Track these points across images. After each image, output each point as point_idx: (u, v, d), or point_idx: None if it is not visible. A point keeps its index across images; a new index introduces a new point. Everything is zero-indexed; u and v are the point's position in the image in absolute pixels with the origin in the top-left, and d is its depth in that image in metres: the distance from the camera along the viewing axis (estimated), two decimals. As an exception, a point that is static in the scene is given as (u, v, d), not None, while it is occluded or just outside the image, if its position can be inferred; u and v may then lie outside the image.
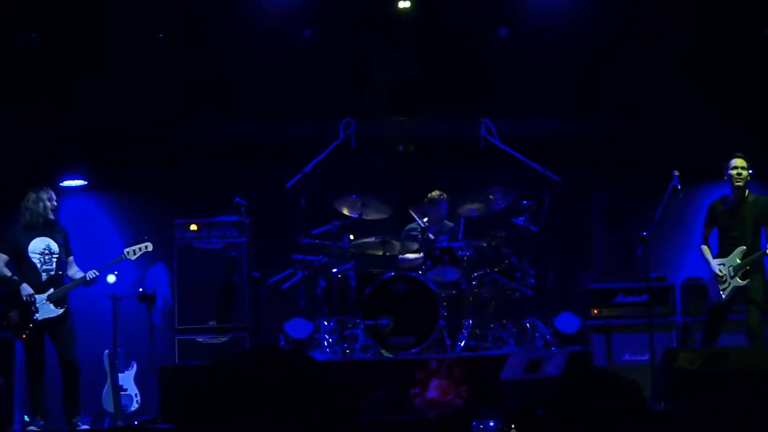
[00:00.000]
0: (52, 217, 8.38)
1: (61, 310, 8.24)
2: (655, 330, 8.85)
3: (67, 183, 10.85)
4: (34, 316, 8.14)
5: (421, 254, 9.41)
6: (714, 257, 8.53)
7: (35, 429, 8.21)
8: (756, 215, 8.44)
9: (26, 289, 8.15)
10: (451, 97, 10.34)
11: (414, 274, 9.07)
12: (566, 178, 9.51)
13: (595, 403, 3.19)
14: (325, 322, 8.94)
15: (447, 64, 10.21)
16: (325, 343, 8.80)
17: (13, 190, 8.90)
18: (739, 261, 8.36)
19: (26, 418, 8.60)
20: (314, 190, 9.37)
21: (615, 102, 10.52)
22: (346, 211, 9.46)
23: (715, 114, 10.36)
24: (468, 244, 9.34)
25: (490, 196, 9.39)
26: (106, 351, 9.44)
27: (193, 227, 9.75)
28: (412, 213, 9.71)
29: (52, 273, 8.29)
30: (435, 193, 9.86)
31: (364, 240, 9.32)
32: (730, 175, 8.43)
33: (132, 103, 10.11)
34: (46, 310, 8.19)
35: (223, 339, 9.55)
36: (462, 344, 8.87)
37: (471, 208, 9.56)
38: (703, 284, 9.55)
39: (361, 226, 9.47)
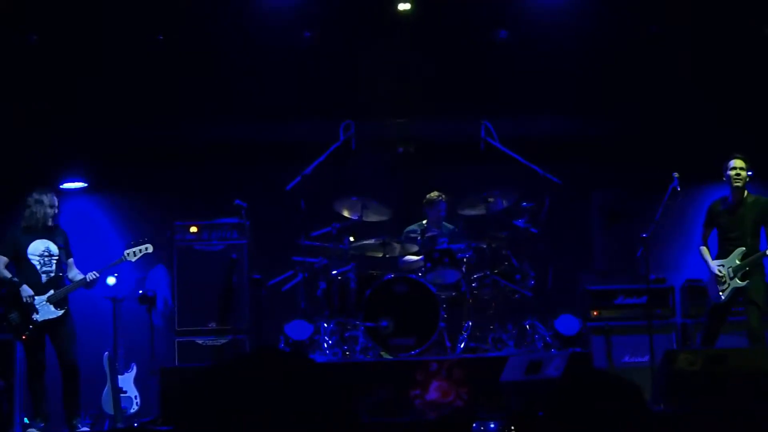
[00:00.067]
0: (51, 223, 8.39)
1: (61, 312, 8.24)
2: (654, 331, 8.84)
3: (67, 185, 10.84)
4: (34, 317, 8.14)
5: (421, 256, 9.41)
6: (713, 258, 8.52)
7: (35, 431, 8.21)
8: (756, 216, 8.43)
9: (26, 290, 8.16)
10: (452, 98, 10.35)
11: (414, 275, 9.07)
12: (566, 178, 9.51)
13: (595, 405, 3.19)
14: (325, 324, 8.94)
15: (447, 65, 10.21)
16: (325, 345, 8.80)
17: (12, 191, 8.91)
18: (738, 262, 8.36)
19: (26, 420, 8.60)
20: (314, 191, 9.37)
21: (615, 102, 10.52)
22: (346, 213, 9.46)
23: (715, 114, 10.36)
24: (468, 245, 9.34)
25: (490, 198, 9.39)
26: (106, 353, 9.43)
27: (194, 229, 9.75)
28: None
29: (52, 275, 8.30)
30: (434, 194, 9.86)
31: (365, 242, 9.32)
32: (729, 176, 8.43)
33: (132, 104, 10.11)
34: (46, 311, 8.20)
35: (223, 341, 9.55)
36: (462, 346, 8.87)
37: (471, 209, 9.57)
38: (703, 286, 9.54)
39: (361, 228, 9.47)
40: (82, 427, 8.46)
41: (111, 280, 9.64)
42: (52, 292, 8.23)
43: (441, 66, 10.20)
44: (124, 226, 10.94)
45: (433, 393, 8.08)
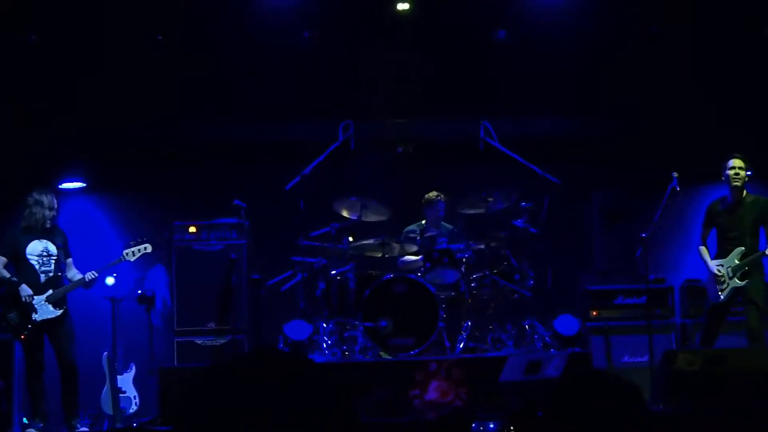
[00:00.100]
0: (49, 224, 8.39)
1: (60, 312, 8.24)
2: (654, 332, 8.85)
3: (66, 185, 10.83)
4: (33, 317, 8.14)
5: (420, 256, 9.41)
6: (713, 258, 8.52)
7: (34, 431, 8.21)
8: (755, 215, 8.43)
9: (25, 289, 8.16)
10: (451, 98, 10.35)
11: (413, 275, 9.07)
12: (566, 178, 9.51)
13: (594, 405, 3.18)
14: (324, 324, 8.94)
15: (447, 65, 10.20)
16: (325, 345, 8.79)
17: (12, 191, 8.91)
18: (737, 262, 8.35)
19: (25, 419, 8.60)
20: (313, 192, 9.37)
21: (615, 102, 10.52)
22: (345, 213, 9.46)
23: (715, 114, 10.36)
24: (467, 245, 9.33)
25: (489, 198, 9.39)
26: (105, 353, 9.42)
27: (192, 229, 9.75)
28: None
29: (51, 274, 8.30)
30: (432, 194, 9.85)
31: (364, 242, 9.32)
32: (728, 176, 8.43)
33: (131, 104, 10.11)
34: (45, 311, 8.19)
35: (222, 341, 9.54)
36: (461, 346, 8.87)
37: (470, 209, 9.57)
38: (702, 286, 9.54)
39: (360, 228, 9.47)
40: (81, 427, 8.46)
41: (110, 280, 9.63)
42: (50, 291, 8.23)
43: (441, 66, 10.20)
44: (123, 226, 10.94)
45: (432, 393, 8.08)
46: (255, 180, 10.46)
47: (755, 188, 8.64)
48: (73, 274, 8.44)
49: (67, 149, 10.47)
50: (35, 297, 8.17)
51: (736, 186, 8.41)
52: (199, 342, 9.56)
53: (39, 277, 8.27)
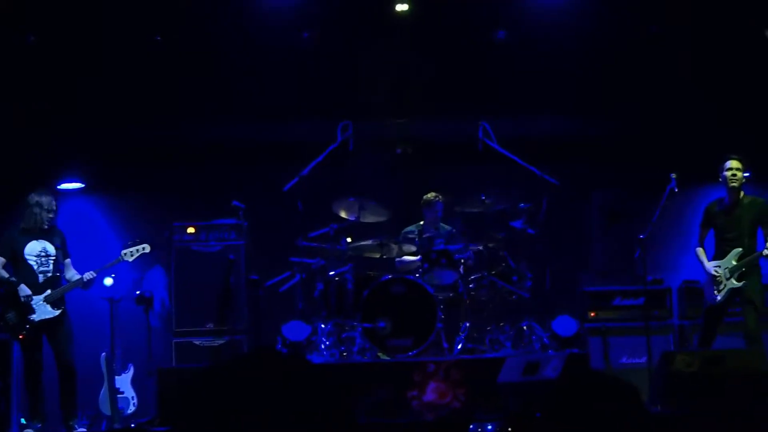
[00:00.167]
0: (47, 225, 8.39)
1: (58, 312, 8.24)
2: (652, 333, 8.86)
3: (65, 185, 10.83)
4: (31, 317, 8.14)
5: (419, 257, 9.41)
6: (710, 259, 8.52)
7: (32, 431, 8.20)
8: (753, 216, 8.42)
9: (24, 289, 8.16)
10: (451, 98, 10.35)
11: (411, 276, 9.07)
12: (566, 178, 9.52)
13: (592, 406, 3.18)
14: (323, 325, 8.94)
15: (446, 65, 10.21)
16: (323, 346, 8.80)
17: (11, 192, 8.91)
18: (735, 263, 8.35)
19: (23, 420, 8.60)
20: (312, 192, 9.37)
21: (615, 102, 10.52)
22: (343, 214, 9.46)
23: (715, 115, 10.36)
24: (465, 246, 9.34)
25: (488, 200, 9.40)
26: (104, 353, 9.43)
27: (191, 230, 9.75)
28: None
29: (49, 275, 8.30)
30: (430, 195, 9.85)
31: (362, 243, 9.32)
32: (725, 177, 8.42)
33: (131, 104, 10.10)
34: (43, 311, 8.19)
35: (221, 341, 9.54)
36: (459, 347, 8.87)
37: (469, 208, 9.57)
38: (701, 287, 9.55)
39: (358, 229, 9.47)
40: (79, 427, 8.46)
41: (108, 281, 9.63)
42: (49, 291, 8.23)
43: (440, 66, 10.20)
44: (121, 226, 10.93)
45: (430, 394, 8.08)
46: (253, 180, 10.46)
47: (756, 190, 8.65)
48: (72, 274, 8.44)
49: (66, 149, 10.47)
50: (33, 297, 8.17)
51: (734, 187, 8.41)
52: (197, 342, 9.56)
53: (37, 277, 8.27)
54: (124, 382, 9.57)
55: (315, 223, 9.41)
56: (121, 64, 9.84)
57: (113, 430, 8.98)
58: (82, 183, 11.03)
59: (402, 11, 9.79)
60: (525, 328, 9.08)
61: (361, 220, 9.44)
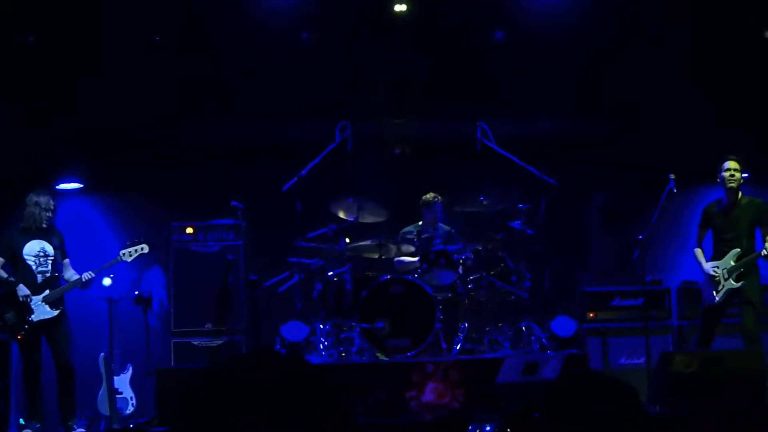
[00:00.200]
0: (46, 225, 8.38)
1: (57, 312, 8.24)
2: (651, 333, 8.85)
3: (63, 186, 10.82)
4: (30, 317, 8.14)
5: (417, 257, 9.41)
6: (709, 260, 8.52)
7: (31, 431, 8.20)
8: (751, 217, 8.42)
9: (23, 290, 8.16)
10: (450, 98, 10.35)
11: (410, 277, 9.07)
12: (566, 178, 9.52)
13: (591, 407, 3.18)
14: (321, 325, 8.94)
15: (446, 65, 10.21)
16: (321, 346, 8.79)
17: (10, 192, 8.91)
18: (733, 263, 8.35)
19: (22, 420, 8.60)
20: (311, 193, 9.37)
21: (615, 102, 10.51)
22: (342, 214, 9.46)
23: (715, 115, 10.35)
24: (464, 247, 9.34)
25: (486, 201, 9.40)
26: (102, 354, 9.42)
27: (190, 230, 9.75)
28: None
29: (48, 275, 8.30)
30: (429, 196, 9.84)
31: (361, 243, 9.32)
32: (723, 178, 8.42)
33: (131, 104, 10.10)
34: (42, 311, 8.19)
35: (219, 342, 9.54)
36: (458, 347, 8.86)
37: (468, 208, 9.57)
38: (699, 288, 9.56)
39: (357, 229, 9.47)
40: (78, 428, 8.46)
41: (107, 281, 9.61)
42: (47, 292, 8.23)
43: (440, 66, 10.20)
44: (120, 226, 10.92)
45: (429, 395, 8.08)
46: (252, 181, 10.45)
47: (756, 190, 8.65)
48: (70, 274, 8.44)
49: (65, 149, 10.46)
50: (32, 297, 8.17)
51: (732, 188, 8.41)
52: (196, 343, 9.56)
53: (36, 277, 8.27)
54: (122, 382, 9.57)
55: (314, 223, 9.40)
56: (121, 63, 9.83)
57: (112, 430, 8.98)
58: (81, 183, 11.02)
59: (401, 12, 9.78)
60: (524, 328, 9.08)
61: (360, 220, 9.43)
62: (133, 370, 9.67)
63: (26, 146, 10.18)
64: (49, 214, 8.41)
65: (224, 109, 10.41)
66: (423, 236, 9.46)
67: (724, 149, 8.57)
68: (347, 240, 9.32)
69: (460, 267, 9.26)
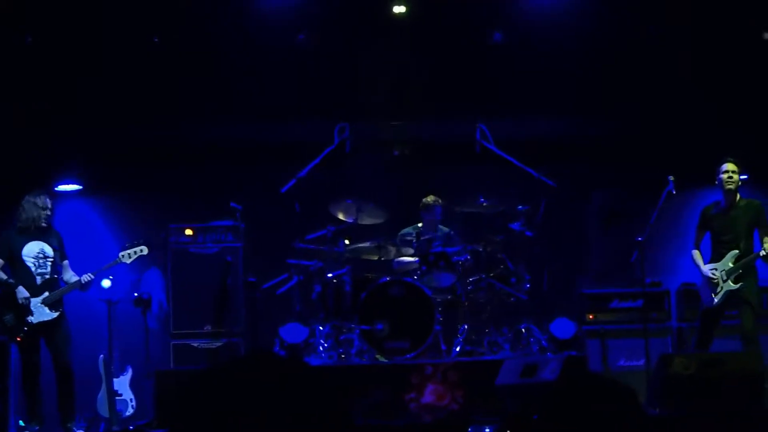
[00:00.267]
0: (44, 224, 8.38)
1: (56, 314, 8.23)
2: (650, 335, 8.84)
3: (62, 187, 10.81)
4: (29, 319, 8.13)
5: (417, 259, 9.40)
6: (707, 262, 8.51)
7: (30, 433, 8.21)
8: (749, 218, 8.43)
9: (22, 291, 8.15)
10: (449, 99, 10.34)
11: (409, 278, 9.06)
12: (566, 178, 9.51)
13: (590, 408, 3.19)
14: (321, 327, 8.93)
15: (445, 66, 10.20)
16: (321, 348, 8.79)
17: (9, 193, 8.90)
18: (731, 265, 8.35)
19: (21, 422, 8.59)
20: (310, 194, 9.37)
21: (615, 102, 10.51)
22: (341, 216, 9.45)
23: (715, 116, 10.35)
24: (463, 249, 9.33)
25: (485, 203, 9.39)
26: (101, 355, 9.41)
27: (188, 232, 9.74)
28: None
29: (47, 276, 8.29)
30: (429, 198, 9.84)
31: (360, 245, 9.31)
32: (721, 179, 8.42)
33: (130, 104, 10.09)
34: (41, 313, 8.19)
35: (219, 344, 9.54)
36: (457, 349, 8.86)
37: (467, 208, 9.57)
38: (698, 289, 9.55)
39: (356, 231, 9.46)
40: (77, 430, 8.44)
41: (106, 283, 9.60)
42: (47, 294, 8.22)
43: (439, 67, 10.19)
44: (118, 228, 10.90)
45: (428, 396, 8.08)
46: (251, 182, 10.44)
47: (755, 191, 8.65)
48: (70, 276, 8.43)
49: (64, 150, 10.45)
50: (32, 299, 8.16)
51: (730, 189, 8.41)
52: (195, 345, 9.55)
53: (35, 279, 8.26)
54: (122, 384, 9.56)
55: (312, 224, 9.40)
56: (120, 64, 9.83)
57: (111, 432, 8.98)
58: (80, 185, 11.00)
59: (400, 13, 9.79)
60: (523, 330, 9.07)
61: (359, 221, 9.42)
62: (132, 371, 9.67)
63: (26, 146, 10.17)
64: (48, 212, 8.40)
65: (223, 110, 10.40)
66: (422, 238, 9.46)
67: (724, 150, 8.57)
68: (346, 241, 9.32)
69: (460, 269, 9.26)
